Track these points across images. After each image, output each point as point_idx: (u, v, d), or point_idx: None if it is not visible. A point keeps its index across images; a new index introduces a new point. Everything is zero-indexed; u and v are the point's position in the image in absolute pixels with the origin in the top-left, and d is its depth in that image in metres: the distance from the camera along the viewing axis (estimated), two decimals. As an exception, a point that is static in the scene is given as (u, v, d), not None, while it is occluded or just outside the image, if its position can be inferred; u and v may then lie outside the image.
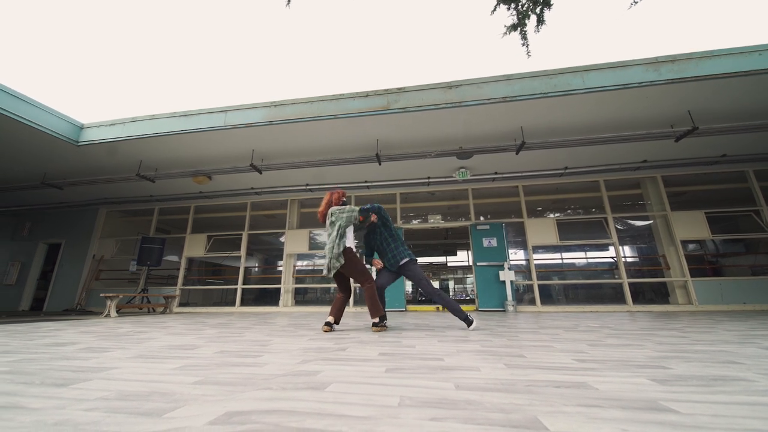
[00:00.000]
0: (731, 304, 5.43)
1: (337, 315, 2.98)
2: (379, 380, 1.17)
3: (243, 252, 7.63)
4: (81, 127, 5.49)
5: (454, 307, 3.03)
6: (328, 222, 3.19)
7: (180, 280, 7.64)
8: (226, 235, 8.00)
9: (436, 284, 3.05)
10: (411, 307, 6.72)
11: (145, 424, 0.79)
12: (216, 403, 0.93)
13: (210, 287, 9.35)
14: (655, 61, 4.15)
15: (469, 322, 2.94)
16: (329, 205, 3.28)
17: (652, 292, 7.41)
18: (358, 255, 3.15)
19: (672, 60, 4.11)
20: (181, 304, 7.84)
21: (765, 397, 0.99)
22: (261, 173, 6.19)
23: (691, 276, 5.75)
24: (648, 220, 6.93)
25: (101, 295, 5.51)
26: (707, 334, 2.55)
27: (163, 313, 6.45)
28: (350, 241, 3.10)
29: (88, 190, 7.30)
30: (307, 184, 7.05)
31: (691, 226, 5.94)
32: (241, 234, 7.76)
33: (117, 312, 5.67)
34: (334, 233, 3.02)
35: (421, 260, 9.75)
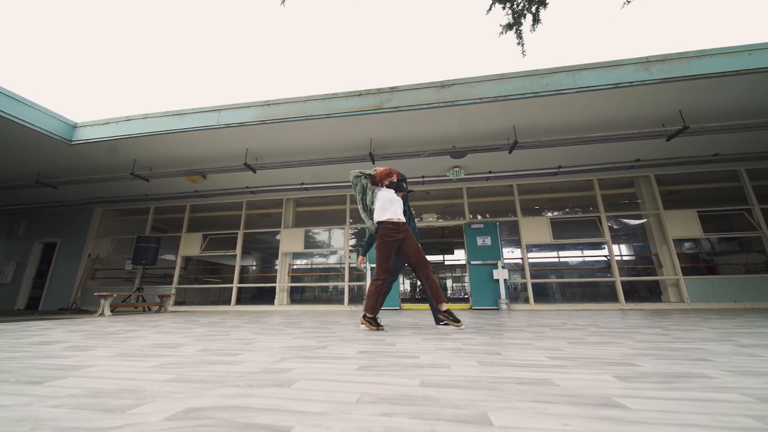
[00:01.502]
0: (722, 302, 5.46)
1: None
2: (347, 377, 1.19)
3: (238, 251, 7.65)
4: (74, 126, 5.50)
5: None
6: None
7: (175, 279, 7.67)
8: (222, 234, 8.03)
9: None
10: (405, 305, 6.75)
11: (104, 420, 0.81)
12: (181, 400, 0.95)
13: (206, 286, 9.39)
14: (646, 61, 4.17)
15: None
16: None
17: (646, 291, 7.45)
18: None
19: (663, 60, 4.13)
20: (177, 303, 7.88)
21: (717, 393, 1.01)
22: (255, 172, 6.21)
23: (684, 274, 5.78)
24: (641, 218, 6.96)
25: (95, 294, 5.54)
26: (690, 332, 2.58)
27: (158, 312, 6.48)
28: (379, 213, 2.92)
29: (83, 189, 7.32)
30: (302, 183, 7.07)
31: (684, 225, 5.96)
32: (237, 233, 7.79)
33: (111, 311, 5.70)
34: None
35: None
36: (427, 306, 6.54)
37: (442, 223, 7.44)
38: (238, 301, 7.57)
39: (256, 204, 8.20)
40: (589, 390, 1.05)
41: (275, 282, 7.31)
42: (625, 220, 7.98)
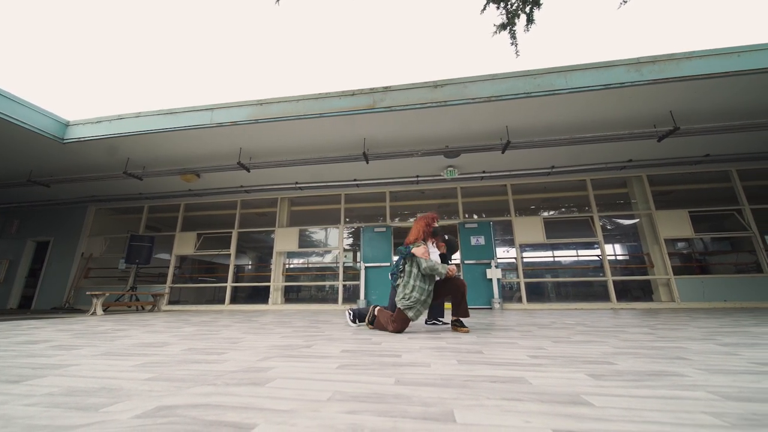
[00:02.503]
0: (713, 301, 5.52)
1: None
2: (324, 376, 1.21)
3: (233, 250, 7.64)
4: (66, 125, 5.47)
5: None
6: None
7: (169, 278, 7.65)
8: (217, 233, 8.02)
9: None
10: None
11: (76, 418, 0.82)
12: (156, 398, 0.96)
13: (201, 285, 9.37)
14: (637, 62, 4.19)
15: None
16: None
17: (639, 290, 7.50)
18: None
19: (653, 61, 4.16)
20: (171, 302, 7.86)
21: (685, 391, 1.04)
22: (249, 171, 6.21)
23: (675, 274, 5.83)
24: (634, 218, 7.01)
25: (87, 293, 5.53)
26: (676, 331, 2.61)
27: (151, 311, 6.47)
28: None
29: (76, 188, 7.28)
30: (297, 182, 7.07)
31: (675, 225, 6.02)
32: (231, 232, 7.78)
33: (104, 310, 5.69)
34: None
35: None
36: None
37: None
38: (233, 301, 7.56)
39: (250, 203, 8.19)
40: (560, 388, 1.07)
41: (269, 281, 7.31)
42: (617, 220, 8.04)
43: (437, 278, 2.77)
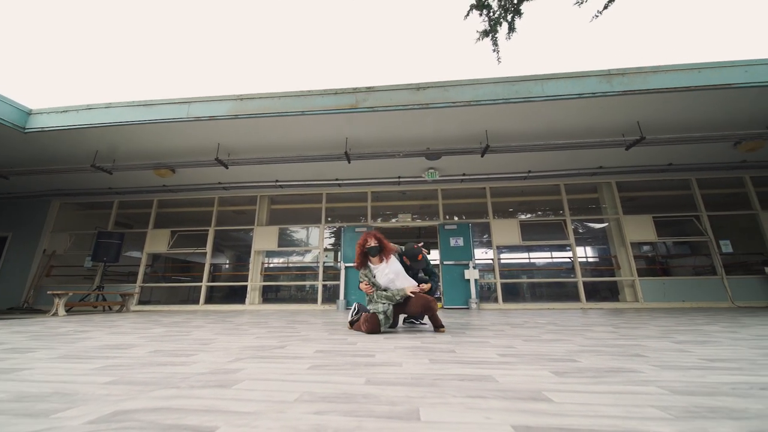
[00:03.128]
0: (672, 301, 5.87)
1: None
2: (294, 377, 1.20)
3: (209, 248, 7.42)
4: (28, 113, 5.14)
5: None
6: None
7: (140, 277, 7.33)
8: (192, 230, 7.75)
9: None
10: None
11: (23, 425, 0.78)
12: (113, 403, 0.92)
13: (174, 285, 9.03)
14: (608, 74, 4.40)
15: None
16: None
17: (607, 291, 7.86)
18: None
19: (623, 73, 4.37)
20: (142, 302, 7.53)
21: (638, 386, 1.10)
22: (227, 168, 6.04)
23: (639, 275, 6.16)
24: (603, 222, 7.34)
25: (48, 292, 5.21)
26: (637, 330, 2.76)
27: (119, 311, 6.18)
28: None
29: (39, 181, 6.84)
30: (277, 180, 6.95)
31: (640, 229, 6.36)
32: (208, 230, 7.54)
33: (66, 311, 5.38)
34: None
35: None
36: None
37: (417, 223, 7.54)
38: (208, 301, 7.33)
39: (228, 200, 7.97)
40: (524, 385, 1.11)
41: (247, 281, 7.14)
42: (588, 224, 8.39)
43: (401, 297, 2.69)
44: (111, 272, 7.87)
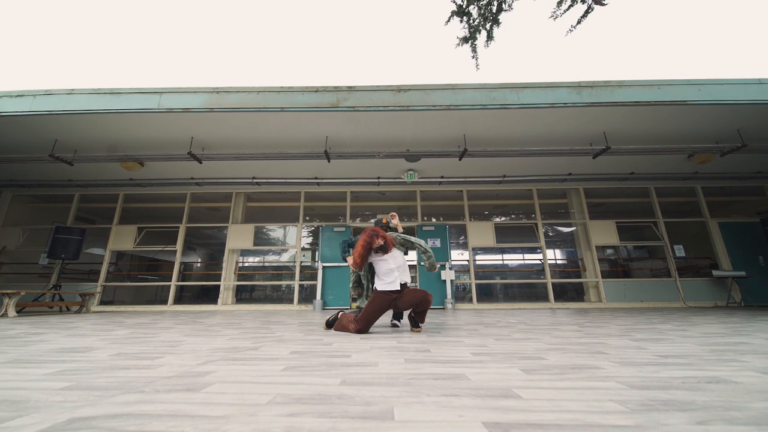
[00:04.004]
0: (632, 302, 6.25)
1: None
2: (267, 379, 1.18)
3: (179, 246, 7.10)
4: (-24, 97, 4.70)
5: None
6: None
7: (102, 276, 6.90)
8: (161, 227, 7.38)
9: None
10: (355, 304, 6.75)
11: (-35, 436, 0.71)
12: (69, 410, 0.87)
13: (140, 284, 8.56)
14: (578, 85, 4.62)
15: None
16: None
17: (574, 291, 8.26)
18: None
19: (592, 86, 4.61)
20: (104, 303, 7.08)
21: (599, 382, 1.17)
22: (201, 163, 5.81)
23: (603, 277, 6.52)
24: (572, 226, 7.71)
25: (-4, 291, 4.79)
26: (600, 329, 2.91)
27: (78, 312, 5.78)
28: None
29: (-13, 170, 6.28)
30: (254, 177, 6.76)
31: (605, 234, 6.73)
32: (179, 227, 7.22)
33: (18, 311, 4.97)
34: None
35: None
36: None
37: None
38: (177, 301, 7.01)
39: (201, 197, 7.66)
40: (495, 383, 1.15)
41: (220, 280, 6.90)
42: (558, 228, 8.79)
43: (400, 285, 2.71)
44: (70, 270, 7.35)
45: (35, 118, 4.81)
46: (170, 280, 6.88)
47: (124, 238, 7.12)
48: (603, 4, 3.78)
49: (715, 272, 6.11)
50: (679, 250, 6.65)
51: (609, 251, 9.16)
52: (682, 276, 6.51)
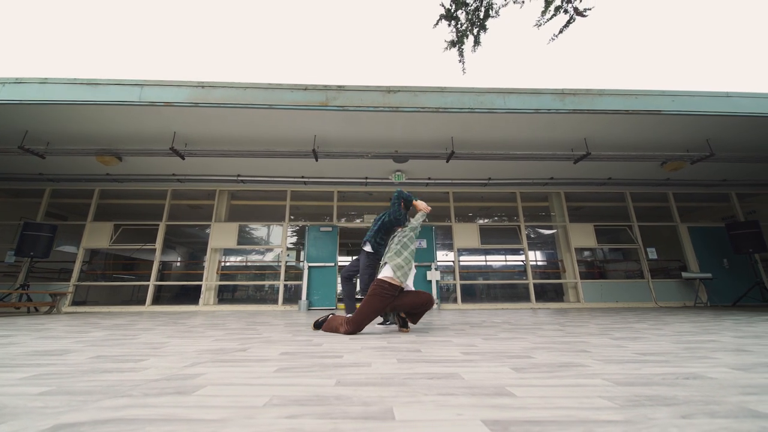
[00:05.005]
0: (608, 302, 6.51)
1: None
2: (261, 381, 1.16)
3: (159, 244, 6.85)
4: (-65, 82, 4.39)
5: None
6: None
7: (75, 275, 6.57)
8: (139, 224, 7.11)
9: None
10: (342, 305, 6.72)
11: (-61, 446, 0.67)
12: (51, 416, 0.83)
13: (116, 283, 8.21)
14: (562, 92, 4.78)
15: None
16: None
17: (554, 292, 8.52)
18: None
19: (574, 93, 4.78)
20: (76, 303, 6.75)
21: (586, 379, 1.21)
22: (184, 159, 5.64)
23: (582, 278, 6.76)
24: (553, 229, 7.95)
25: (-45, 291, 4.48)
26: (580, 328, 3.02)
27: (48, 313, 5.48)
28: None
29: (-54, 161, 5.87)
30: (239, 175, 6.62)
31: (583, 236, 6.98)
32: (158, 224, 6.97)
33: (-21, 312, 4.66)
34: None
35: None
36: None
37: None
38: (156, 301, 6.76)
39: (183, 194, 7.43)
40: (488, 381, 1.17)
41: (202, 280, 6.70)
42: (540, 230, 9.05)
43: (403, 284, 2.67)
44: (39, 269, 6.96)
45: (4, 107, 4.54)
46: (148, 280, 6.64)
47: (99, 236, 6.81)
48: (584, 16, 3.93)
49: (684, 274, 6.44)
50: (652, 253, 6.98)
51: (586, 253, 9.50)
52: (654, 277, 6.84)
